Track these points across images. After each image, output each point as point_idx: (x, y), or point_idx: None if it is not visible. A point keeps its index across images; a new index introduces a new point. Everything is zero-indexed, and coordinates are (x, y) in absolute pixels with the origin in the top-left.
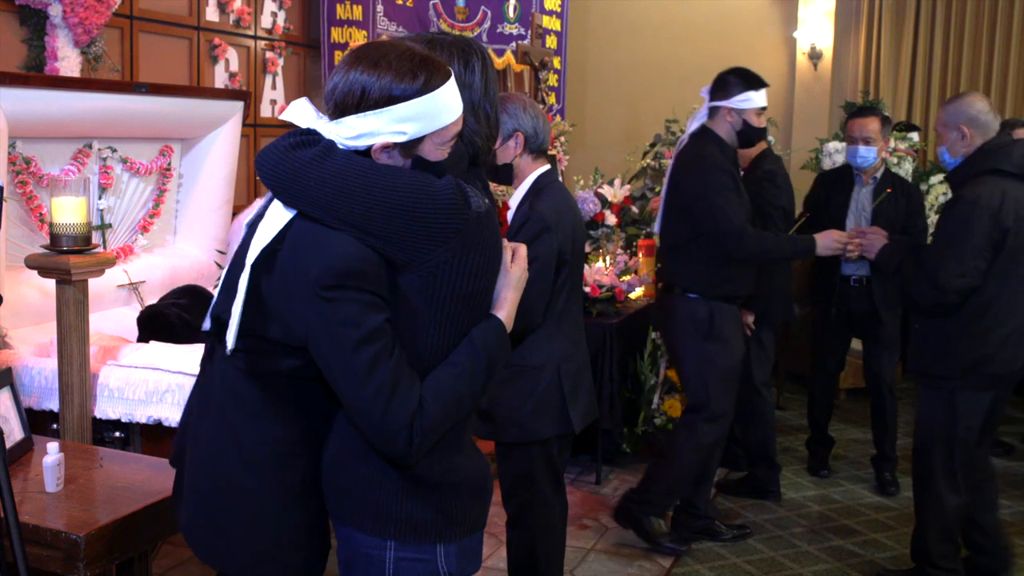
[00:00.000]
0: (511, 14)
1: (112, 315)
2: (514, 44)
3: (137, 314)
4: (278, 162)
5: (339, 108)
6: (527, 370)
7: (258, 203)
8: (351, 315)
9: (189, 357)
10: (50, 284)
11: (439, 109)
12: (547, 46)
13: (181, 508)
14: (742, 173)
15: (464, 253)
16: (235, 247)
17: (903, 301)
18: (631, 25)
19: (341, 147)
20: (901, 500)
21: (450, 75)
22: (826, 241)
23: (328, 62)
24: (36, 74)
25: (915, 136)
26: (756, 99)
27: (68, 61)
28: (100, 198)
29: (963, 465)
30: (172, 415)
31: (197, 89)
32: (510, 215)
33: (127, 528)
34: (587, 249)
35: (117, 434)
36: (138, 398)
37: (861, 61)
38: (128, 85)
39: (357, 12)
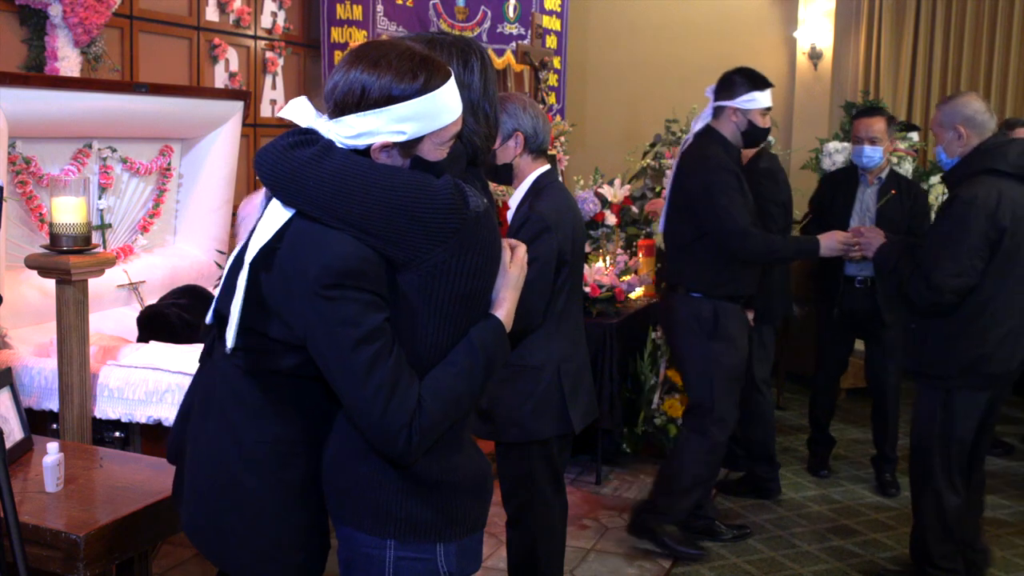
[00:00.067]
0: (511, 14)
1: (112, 315)
2: (514, 44)
3: (137, 314)
4: (276, 162)
5: (339, 107)
6: (527, 370)
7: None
8: (350, 314)
9: (189, 357)
10: (50, 284)
11: (439, 109)
12: (547, 46)
13: (182, 508)
14: None
15: (463, 253)
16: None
17: (901, 300)
18: (631, 25)
19: (340, 146)
20: (901, 500)
21: (450, 75)
22: (830, 242)
23: (328, 62)
24: (36, 74)
25: (915, 136)
26: (761, 99)
27: (68, 61)
28: (100, 198)
29: (960, 465)
30: (172, 415)
31: (197, 89)
32: (510, 215)
33: (127, 528)
34: (587, 249)
35: (117, 434)
36: (138, 398)
37: (861, 61)
38: (128, 85)
39: (357, 12)
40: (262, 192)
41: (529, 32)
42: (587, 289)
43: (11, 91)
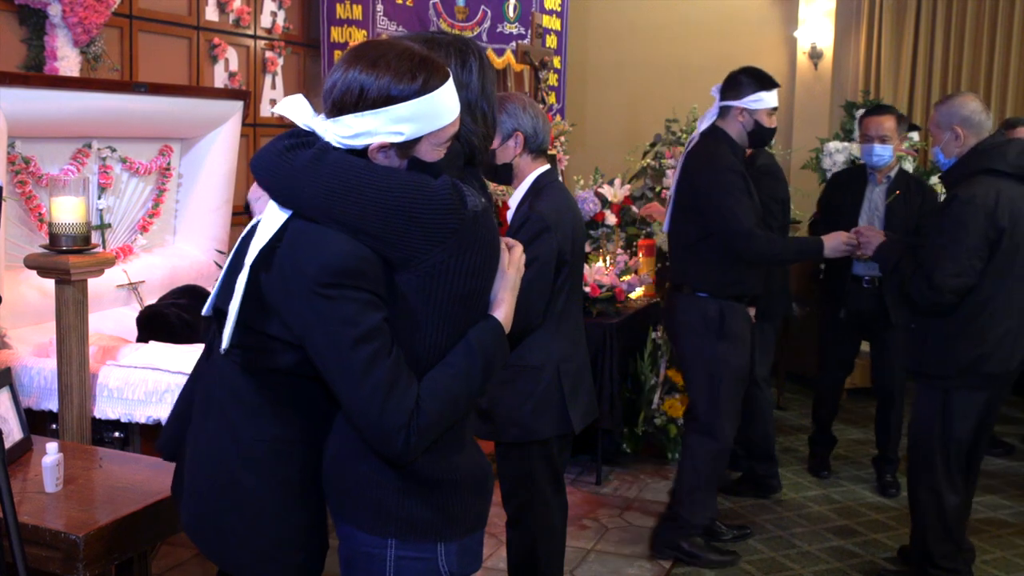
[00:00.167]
0: (511, 14)
1: (111, 315)
2: (514, 44)
3: (136, 314)
4: (273, 165)
5: (337, 107)
6: (527, 370)
7: None
8: (349, 314)
9: (189, 357)
10: (49, 284)
11: (437, 110)
12: (547, 46)
13: (182, 507)
14: None
15: (461, 253)
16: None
17: (901, 300)
18: (631, 25)
19: (338, 146)
20: (901, 500)
21: (449, 76)
22: (834, 243)
23: (328, 62)
24: (35, 74)
25: (915, 136)
26: (768, 99)
27: (67, 61)
28: (99, 198)
29: (959, 464)
30: None
31: (197, 89)
32: (510, 215)
33: (126, 528)
34: (587, 249)
35: (116, 434)
36: (137, 398)
37: (861, 61)
38: (128, 85)
39: (357, 12)
40: None
41: (529, 32)
42: (587, 289)
43: (10, 91)
